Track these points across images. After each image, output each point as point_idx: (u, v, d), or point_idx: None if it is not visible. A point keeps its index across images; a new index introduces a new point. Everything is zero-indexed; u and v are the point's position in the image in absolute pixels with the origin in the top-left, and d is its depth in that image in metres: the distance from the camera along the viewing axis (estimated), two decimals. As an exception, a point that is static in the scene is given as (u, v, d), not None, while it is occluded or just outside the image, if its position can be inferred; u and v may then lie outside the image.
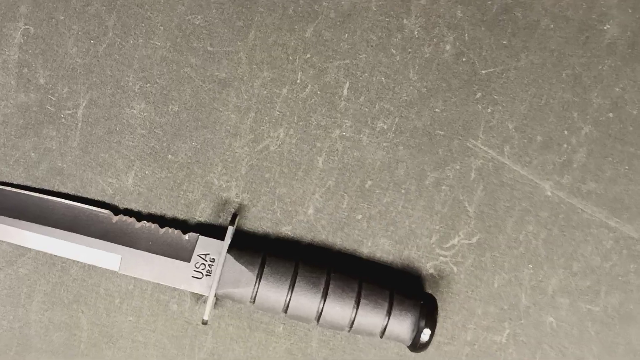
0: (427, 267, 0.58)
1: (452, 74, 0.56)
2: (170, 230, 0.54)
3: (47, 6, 0.54)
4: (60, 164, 0.55)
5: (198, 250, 0.54)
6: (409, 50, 0.56)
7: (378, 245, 0.57)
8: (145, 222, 0.54)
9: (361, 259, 0.57)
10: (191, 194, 0.56)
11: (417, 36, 0.56)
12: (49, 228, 0.53)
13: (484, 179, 0.56)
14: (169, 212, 0.56)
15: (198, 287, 0.54)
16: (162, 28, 0.55)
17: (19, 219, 0.53)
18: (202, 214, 0.56)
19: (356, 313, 0.53)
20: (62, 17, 0.55)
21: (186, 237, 0.54)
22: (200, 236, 0.54)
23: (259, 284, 0.53)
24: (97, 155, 0.55)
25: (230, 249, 0.53)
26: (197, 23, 0.55)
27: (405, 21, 0.56)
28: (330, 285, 0.53)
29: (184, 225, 0.56)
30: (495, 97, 0.56)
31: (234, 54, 0.55)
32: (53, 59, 0.54)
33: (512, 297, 0.58)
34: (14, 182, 0.55)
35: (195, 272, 0.54)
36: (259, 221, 0.57)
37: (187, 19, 0.55)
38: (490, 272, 0.58)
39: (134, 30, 0.55)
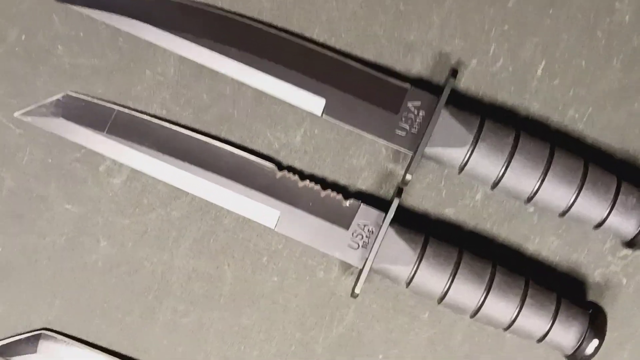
0: (595, 274, 0.53)
1: (662, 71, 0.51)
2: (332, 194, 0.52)
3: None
4: (231, 111, 0.53)
5: (358, 219, 0.51)
6: (617, 36, 0.51)
7: (546, 244, 0.53)
8: (308, 181, 0.52)
9: (524, 256, 0.53)
10: (356, 160, 0.53)
11: (627, 22, 0.51)
12: (211, 174, 0.51)
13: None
14: (331, 176, 0.53)
15: (352, 257, 0.51)
16: (357, -19, 0.52)
17: (182, 160, 0.52)
18: (364, 182, 0.53)
19: (519, 312, 0.49)
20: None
21: (347, 203, 0.51)
22: (362, 204, 0.51)
23: (419, 264, 0.49)
24: (269, 107, 0.53)
25: (392, 223, 0.50)
26: (394, -21, 0.52)
27: (617, 4, 0.51)
28: (496, 279, 0.49)
29: (344, 191, 0.53)
30: None
31: (426, 17, 0.52)
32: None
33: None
34: (182, 123, 0.53)
35: (351, 242, 0.51)
36: (421, 199, 0.53)
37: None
38: (663, 291, 0.53)
39: (329, -19, 0.52)
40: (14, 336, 0.54)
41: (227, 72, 0.51)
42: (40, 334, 0.54)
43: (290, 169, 0.53)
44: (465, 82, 0.52)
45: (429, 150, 0.49)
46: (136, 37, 0.52)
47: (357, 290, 0.50)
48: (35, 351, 0.54)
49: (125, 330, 0.54)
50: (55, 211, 0.54)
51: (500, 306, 0.49)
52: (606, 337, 0.52)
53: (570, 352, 0.50)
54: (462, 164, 0.49)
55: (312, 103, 0.51)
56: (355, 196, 0.53)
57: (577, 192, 0.48)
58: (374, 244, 0.50)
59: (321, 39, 0.52)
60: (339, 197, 0.52)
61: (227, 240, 0.54)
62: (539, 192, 0.49)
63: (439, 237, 0.51)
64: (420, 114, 0.50)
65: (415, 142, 0.50)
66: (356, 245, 0.51)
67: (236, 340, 0.54)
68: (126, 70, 0.53)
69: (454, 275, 0.49)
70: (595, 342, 0.49)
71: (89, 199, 0.54)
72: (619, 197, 0.48)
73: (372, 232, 0.51)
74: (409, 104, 0.50)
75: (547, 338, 0.50)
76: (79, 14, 0.53)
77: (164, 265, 0.54)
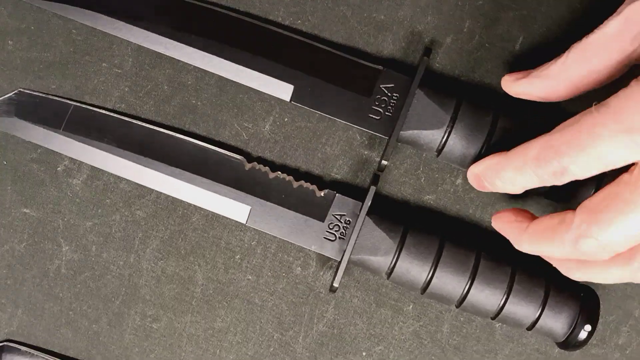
0: (585, 257, 0.51)
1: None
2: (305, 185, 0.49)
3: None
4: (194, 101, 0.50)
5: (333, 210, 0.49)
6: (596, 6, 0.49)
7: (532, 227, 0.51)
8: (279, 173, 0.49)
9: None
10: (329, 148, 0.50)
11: (607, -9, 0.49)
12: (176, 169, 0.49)
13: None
14: (304, 166, 0.51)
15: (329, 249, 0.48)
16: (322, -42, 0.49)
17: (144, 156, 0.49)
18: (339, 171, 0.51)
19: (506, 300, 0.47)
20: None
21: (321, 194, 0.49)
22: (337, 194, 0.49)
23: (399, 254, 0.47)
24: (235, 96, 0.50)
25: (370, 213, 0.48)
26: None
27: (595, -28, 0.49)
28: (480, 266, 0.47)
29: (318, 181, 0.50)
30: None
31: (397, -5, 0.49)
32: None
33: (678, 302, 0.50)
34: (142, 116, 0.50)
35: (328, 233, 0.48)
36: (399, 186, 0.51)
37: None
38: (656, 271, 0.50)
39: (290, -42, 0.49)
40: (-26, 351, 0.51)
41: (188, 60, 0.48)
42: (3, 346, 0.51)
43: (260, 160, 0.50)
44: (440, 61, 0.50)
45: (405, 133, 0.47)
46: (90, 27, 0.49)
47: (335, 284, 0.48)
48: (-2, 365, 0.51)
49: (93, 339, 0.51)
50: (12, 216, 0.51)
51: (486, 294, 0.47)
52: (600, 322, 0.50)
53: (562, 339, 0.48)
54: (440, 147, 0.47)
55: (280, 90, 0.48)
56: (330, 186, 0.50)
57: (561, 170, 0.46)
58: (351, 235, 0.47)
59: (286, 22, 0.50)
60: (313, 187, 0.49)
61: (196, 239, 0.51)
62: None
63: (420, 225, 0.48)
64: (394, 96, 0.48)
65: (390, 126, 0.47)
66: (333, 237, 0.48)
67: (211, 344, 0.51)
68: (81, 63, 0.50)
69: (436, 264, 0.47)
70: (588, 327, 0.47)
71: (48, 202, 0.51)
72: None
73: (349, 222, 0.49)
74: (382, 87, 0.48)
75: (537, 325, 0.47)
76: (29, 5, 0.50)
77: (131, 268, 0.51)
